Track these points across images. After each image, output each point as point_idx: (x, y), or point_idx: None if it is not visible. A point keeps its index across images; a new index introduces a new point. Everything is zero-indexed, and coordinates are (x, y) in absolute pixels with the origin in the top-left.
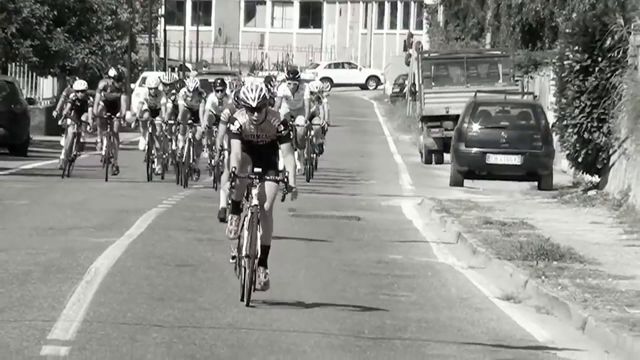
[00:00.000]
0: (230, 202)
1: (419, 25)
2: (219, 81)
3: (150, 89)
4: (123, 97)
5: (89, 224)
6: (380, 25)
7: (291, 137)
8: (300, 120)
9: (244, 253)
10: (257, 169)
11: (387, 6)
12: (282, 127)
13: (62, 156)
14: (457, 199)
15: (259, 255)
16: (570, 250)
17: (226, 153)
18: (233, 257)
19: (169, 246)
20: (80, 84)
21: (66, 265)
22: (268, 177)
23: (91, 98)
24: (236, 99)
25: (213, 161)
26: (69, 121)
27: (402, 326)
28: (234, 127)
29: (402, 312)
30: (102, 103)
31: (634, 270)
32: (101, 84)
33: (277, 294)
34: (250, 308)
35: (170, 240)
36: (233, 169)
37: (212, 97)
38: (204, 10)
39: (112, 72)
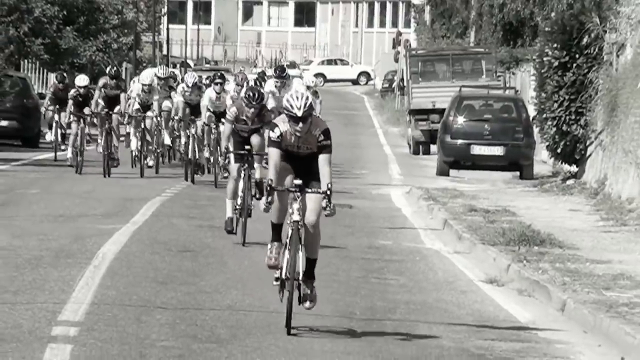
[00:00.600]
0: (271, 225)
1: (407, 24)
2: (217, 75)
3: (144, 85)
4: (123, 95)
5: (96, 212)
6: (370, 24)
7: (329, 147)
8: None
9: (283, 275)
10: (297, 181)
11: (377, 6)
12: (322, 137)
13: (69, 153)
14: (444, 188)
15: (301, 276)
16: (550, 236)
17: (231, 156)
18: (277, 279)
19: (172, 233)
20: (81, 79)
21: (75, 251)
22: (310, 190)
23: (93, 93)
24: (247, 97)
25: (219, 165)
26: (72, 117)
27: (392, 308)
28: (273, 135)
29: (392, 295)
30: (101, 101)
31: (610, 255)
32: (101, 82)
33: (272, 278)
34: (248, 290)
35: (173, 227)
36: (270, 181)
37: (210, 92)
38: (204, 10)
39: (109, 69)
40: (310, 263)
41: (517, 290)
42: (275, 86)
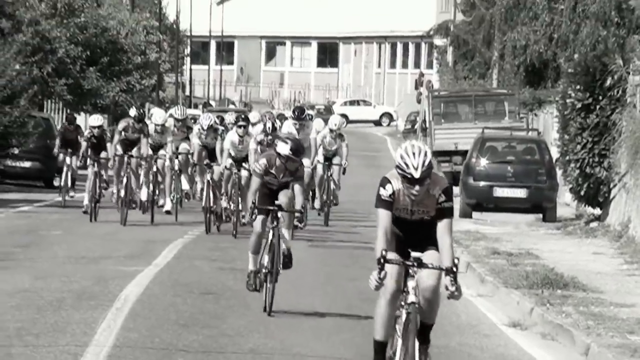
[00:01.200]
0: (374, 343)
1: (430, 65)
2: (242, 117)
3: (156, 125)
4: (144, 139)
5: (119, 254)
6: (393, 65)
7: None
8: (304, 162)
9: None
10: (415, 253)
11: (400, 47)
12: (443, 198)
13: (85, 201)
14: (466, 230)
15: None
16: (573, 279)
17: (259, 217)
18: None
19: (194, 275)
20: (95, 120)
21: (97, 293)
22: (431, 265)
23: (108, 134)
24: (291, 151)
25: (244, 220)
26: (88, 161)
27: None
28: (385, 193)
29: None
30: (118, 147)
31: (635, 299)
32: (121, 125)
33: (296, 320)
34: (270, 333)
35: (195, 269)
36: (383, 252)
37: (232, 135)
38: (227, 50)
39: (132, 112)
40: (428, 329)
41: (540, 334)
42: (295, 128)
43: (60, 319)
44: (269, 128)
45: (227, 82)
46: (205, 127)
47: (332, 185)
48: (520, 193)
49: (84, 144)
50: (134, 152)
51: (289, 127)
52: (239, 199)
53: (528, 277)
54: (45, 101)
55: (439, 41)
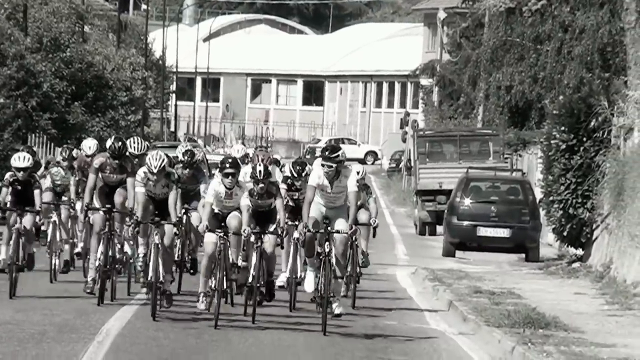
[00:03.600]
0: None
1: (415, 105)
2: (229, 161)
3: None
4: (129, 181)
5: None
6: (378, 104)
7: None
8: (341, 224)
9: None
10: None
11: (385, 86)
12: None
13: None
14: (449, 269)
15: None
16: (555, 319)
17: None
18: None
19: (176, 309)
20: (21, 160)
21: (79, 326)
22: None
23: (37, 177)
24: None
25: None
26: (7, 213)
27: None
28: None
29: None
30: (95, 200)
31: (615, 339)
32: (96, 162)
33: (278, 356)
34: None
35: (177, 303)
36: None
37: (216, 185)
38: (212, 87)
39: (109, 142)
40: None
41: None
42: (325, 174)
43: (42, 351)
44: (260, 173)
45: (212, 119)
46: (154, 170)
47: (359, 254)
48: (504, 233)
49: (3, 191)
50: (116, 199)
51: (318, 177)
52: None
53: (510, 316)
54: (30, 135)
55: (424, 81)
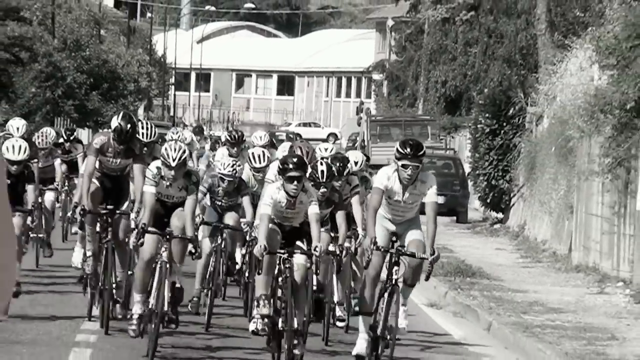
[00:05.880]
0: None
1: (368, 95)
2: (293, 161)
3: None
4: (137, 167)
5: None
6: (338, 94)
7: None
8: (416, 239)
9: None
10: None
11: (344, 80)
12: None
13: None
14: None
15: None
16: (480, 270)
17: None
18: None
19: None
20: (15, 151)
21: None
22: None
23: (32, 168)
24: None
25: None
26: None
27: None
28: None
29: None
30: (96, 181)
31: (527, 286)
32: (97, 141)
33: None
34: None
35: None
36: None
37: (274, 192)
38: (204, 80)
39: (114, 121)
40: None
41: (452, 312)
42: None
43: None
44: (322, 174)
45: (203, 106)
46: (172, 164)
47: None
48: (439, 200)
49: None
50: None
51: (387, 171)
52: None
53: (443, 266)
54: (56, 118)
55: (376, 76)
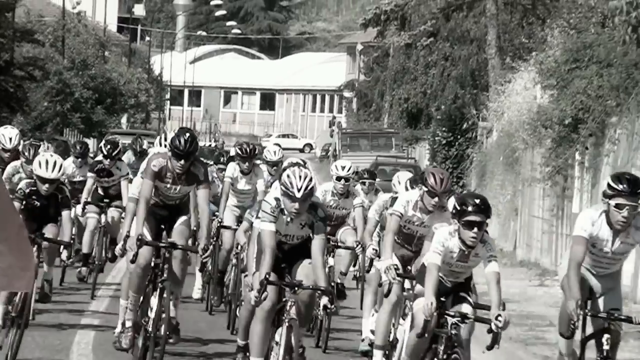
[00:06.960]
0: None
1: (340, 111)
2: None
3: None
4: (202, 193)
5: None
6: (313, 109)
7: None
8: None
9: None
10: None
11: (319, 97)
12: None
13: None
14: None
15: None
16: None
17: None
18: None
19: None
20: (50, 167)
21: None
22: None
23: (66, 191)
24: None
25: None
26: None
27: None
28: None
29: None
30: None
31: (477, 279)
32: (155, 163)
33: None
34: None
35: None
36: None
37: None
38: (196, 96)
39: (170, 136)
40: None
41: None
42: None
43: None
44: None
45: (195, 119)
46: (298, 196)
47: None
48: None
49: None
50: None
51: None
52: None
53: None
54: (65, 129)
55: (347, 94)
